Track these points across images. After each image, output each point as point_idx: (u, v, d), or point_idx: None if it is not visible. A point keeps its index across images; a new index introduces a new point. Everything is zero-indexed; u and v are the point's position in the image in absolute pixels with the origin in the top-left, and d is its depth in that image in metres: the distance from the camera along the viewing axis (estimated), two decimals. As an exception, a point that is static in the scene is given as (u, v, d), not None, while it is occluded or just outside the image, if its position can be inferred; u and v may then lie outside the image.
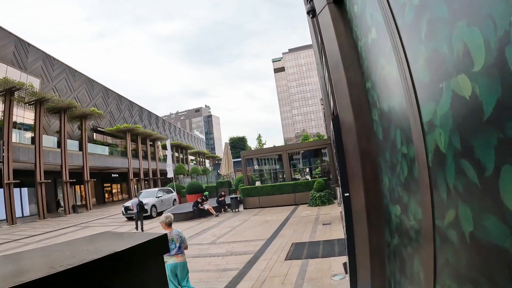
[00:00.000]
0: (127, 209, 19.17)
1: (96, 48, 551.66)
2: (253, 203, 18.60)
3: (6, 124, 22.64)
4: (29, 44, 32.46)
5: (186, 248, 5.33)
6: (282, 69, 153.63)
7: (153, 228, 14.99)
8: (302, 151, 21.70)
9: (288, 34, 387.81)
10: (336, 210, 13.33)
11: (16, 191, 27.42)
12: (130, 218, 18.97)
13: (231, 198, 18.29)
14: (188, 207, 18.15)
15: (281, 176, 20.81)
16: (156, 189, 22.97)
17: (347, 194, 3.49)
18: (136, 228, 15.20)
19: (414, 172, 1.71)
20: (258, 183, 20.34)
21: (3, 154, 22.10)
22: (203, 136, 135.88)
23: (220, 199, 18.56)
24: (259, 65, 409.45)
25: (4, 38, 29.28)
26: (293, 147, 22.24)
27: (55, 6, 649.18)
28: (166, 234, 1.66)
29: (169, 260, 4.96)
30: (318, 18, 3.68)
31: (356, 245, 3.38)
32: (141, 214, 15.47)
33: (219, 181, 28.77)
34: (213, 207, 17.29)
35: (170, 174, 26.02)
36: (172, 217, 5.53)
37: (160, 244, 1.63)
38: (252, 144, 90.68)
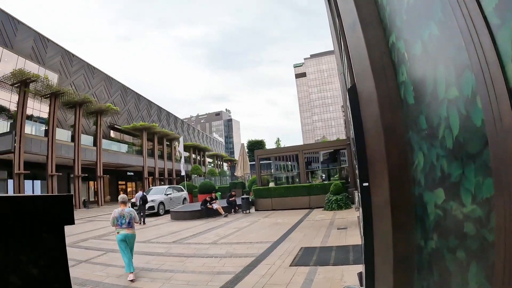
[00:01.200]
0: (133, 204, 18.57)
1: (121, 51, 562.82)
2: (265, 205, 17.83)
3: (20, 115, 22.82)
4: (48, 39, 32.91)
5: (136, 223, 6.79)
6: (303, 75, 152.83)
7: (158, 225, 14.43)
8: (323, 152, 20.74)
9: (310, 41, 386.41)
10: (353, 214, 12.43)
11: (28, 183, 27.71)
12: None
13: (242, 198, 17.59)
14: (197, 206, 17.52)
15: (297, 178, 19.98)
16: (166, 186, 22.53)
17: (366, 184, 2.70)
18: (141, 222, 15.13)
19: (474, 119, 0.97)
20: (271, 184, 19.58)
21: (15, 144, 22.12)
22: (222, 140, 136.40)
23: (230, 199, 17.89)
24: (280, 72, 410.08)
25: (23, 33, 29.80)
26: (310, 147, 21.37)
27: (81, 9, 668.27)
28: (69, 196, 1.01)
29: (121, 231, 6.27)
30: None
31: (375, 251, 2.59)
32: (144, 207, 15.93)
33: (232, 182, 28.21)
34: (223, 207, 16.62)
35: (182, 172, 25.55)
36: (126, 197, 6.98)
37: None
38: (271, 147, 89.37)
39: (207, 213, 16.02)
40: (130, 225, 6.39)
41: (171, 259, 7.26)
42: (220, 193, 26.21)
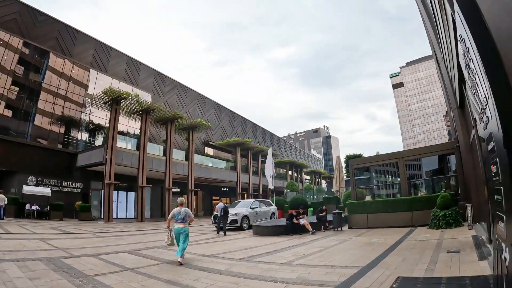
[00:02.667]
0: (216, 217, 18.01)
1: (218, 75, 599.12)
2: (360, 222, 15.45)
3: (111, 131, 24.68)
4: (140, 63, 36.36)
5: (192, 221, 8.53)
6: (400, 85, 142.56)
7: (235, 239, 13.25)
8: (425, 159, 17.42)
9: (403, 50, 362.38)
10: (465, 234, 9.70)
11: (122, 194, 29.49)
12: (220, 228, 17.94)
13: (334, 214, 15.46)
14: (283, 221, 15.93)
15: (397, 191, 17.12)
16: (252, 200, 21.39)
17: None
18: (218, 232, 15.61)
19: None
20: (368, 198, 17.06)
21: (106, 156, 23.59)
22: (321, 156, 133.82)
23: (320, 214, 15.94)
24: (377, 85, 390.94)
25: (117, 57, 33.73)
26: (412, 153, 18.18)
27: (180, 40, 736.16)
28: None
29: (176, 225, 8.05)
30: None
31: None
32: (225, 218, 15.91)
33: (325, 196, 26.04)
34: (312, 224, 14.78)
35: (271, 186, 24.19)
36: (183, 199, 8.74)
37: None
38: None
39: (293, 229, 14.37)
40: (184, 220, 8.18)
41: (226, 279, 5.90)
42: (312, 209, 24.27)
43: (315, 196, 34.66)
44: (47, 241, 11.28)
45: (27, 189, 23.32)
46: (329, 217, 16.02)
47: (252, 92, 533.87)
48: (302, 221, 14.63)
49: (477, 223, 11.27)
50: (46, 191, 24.22)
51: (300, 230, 14.41)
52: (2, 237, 11.73)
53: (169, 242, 8.38)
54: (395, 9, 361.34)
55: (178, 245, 7.99)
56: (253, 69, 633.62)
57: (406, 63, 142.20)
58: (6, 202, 20.42)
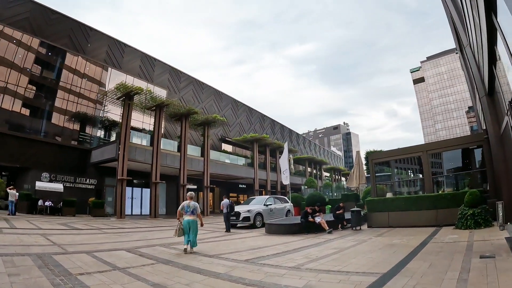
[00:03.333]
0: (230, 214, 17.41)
1: (236, 73, 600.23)
2: (380, 221, 14.42)
3: (124, 126, 24.32)
4: (155, 59, 36.26)
5: (199, 215, 8.97)
6: (421, 80, 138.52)
7: (245, 238, 12.42)
8: (446, 153, 16.10)
9: (424, 45, 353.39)
10: (497, 235, 8.63)
11: (137, 190, 29.24)
12: (232, 225, 17.33)
13: (352, 211, 14.48)
14: (298, 219, 15.05)
15: (418, 187, 16.00)
16: (267, 196, 20.55)
17: None
18: (226, 230, 15.17)
19: None
20: (389, 195, 15.98)
21: (119, 152, 23.30)
22: (341, 153, 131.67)
23: (337, 212, 14.96)
24: (398, 81, 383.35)
25: (131, 54, 33.64)
26: (438, 146, 16.89)
27: (198, 39, 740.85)
28: None
29: (185, 217, 8.73)
30: None
31: None
32: (230, 214, 15.66)
33: (344, 193, 24.94)
34: (328, 222, 13.86)
35: (286, 181, 23.04)
36: (193, 194, 9.36)
37: None
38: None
39: (308, 227, 13.48)
40: (193, 213, 8.73)
41: (221, 286, 5.05)
42: (330, 206, 23.20)
43: (334, 193, 33.22)
44: (48, 237, 10.90)
45: (40, 185, 23.27)
46: (347, 215, 15.06)
47: (270, 90, 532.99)
48: (318, 219, 13.73)
49: (508, 223, 10.11)
50: (58, 187, 24.13)
51: (315, 229, 13.52)
52: (3, 231, 11.38)
53: (177, 235, 8.78)
54: (415, 2, 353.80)
55: (186, 236, 8.67)
56: (271, 67, 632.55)
57: (426, 58, 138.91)
58: (18, 197, 20.39)
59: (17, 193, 20.52)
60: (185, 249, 8.46)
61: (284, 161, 24.05)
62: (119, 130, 28.52)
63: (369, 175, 31.01)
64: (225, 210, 15.67)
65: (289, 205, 21.14)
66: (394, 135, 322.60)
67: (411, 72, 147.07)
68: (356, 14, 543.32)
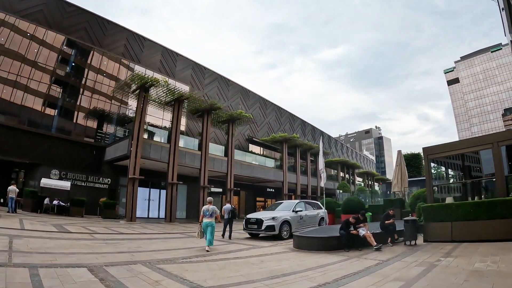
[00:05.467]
0: (247, 222, 14.33)
1: (267, 77, 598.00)
2: (440, 233, 11.03)
3: (138, 121, 21.90)
4: (177, 54, 34.39)
5: (217, 216, 10.36)
6: (456, 81, 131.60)
7: (263, 255, 9.35)
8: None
9: (456, 45, 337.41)
10: None
11: (155, 192, 26.83)
12: (253, 235, 14.64)
13: (406, 221, 11.13)
14: (335, 230, 11.90)
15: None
16: (296, 201, 17.29)
17: None
18: (223, 235, 14.09)
19: None
20: (449, 200, 12.47)
21: (131, 148, 21.10)
22: (373, 157, 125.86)
23: (386, 221, 11.63)
24: (429, 84, 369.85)
25: (150, 48, 31.54)
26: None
27: (229, 44, 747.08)
28: None
29: (205, 220, 9.83)
30: None
31: None
32: (231, 220, 14.26)
33: (388, 198, 21.32)
34: (375, 234, 10.62)
35: (321, 183, 19.38)
36: (212, 199, 10.59)
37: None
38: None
39: (349, 242, 10.24)
40: (211, 216, 9.92)
41: None
42: (370, 213, 19.65)
43: (371, 199, 28.94)
44: (15, 240, 8.82)
45: (45, 181, 21.24)
46: (399, 225, 11.71)
47: (301, 94, 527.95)
48: (362, 232, 10.48)
49: None
50: (65, 184, 22.03)
51: (359, 243, 10.31)
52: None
53: (200, 236, 10.17)
54: (443, 3, 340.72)
55: (207, 236, 9.75)
56: (302, 70, 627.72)
57: (460, 57, 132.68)
58: (17, 193, 18.70)
59: (17, 189, 18.80)
60: (207, 250, 9.48)
61: (320, 159, 20.72)
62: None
63: (413, 178, 27.26)
64: (226, 216, 14.26)
65: (322, 211, 17.65)
66: (426, 140, 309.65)
67: (445, 73, 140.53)
68: (385, 16, 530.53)
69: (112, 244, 10.30)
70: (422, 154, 40.41)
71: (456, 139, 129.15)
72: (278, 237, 13.66)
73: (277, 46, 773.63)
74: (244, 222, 14.87)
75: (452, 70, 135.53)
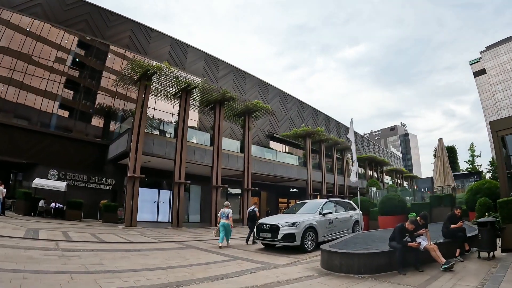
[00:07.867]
0: (259, 229, 10.99)
1: (291, 78, 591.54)
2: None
3: (138, 113, 19.31)
4: (187, 45, 32.16)
5: (231, 219, 11.39)
6: (482, 72, 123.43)
7: (278, 284, 5.94)
8: None
9: (479, 38, 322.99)
10: None
11: (165, 193, 24.67)
12: (268, 246, 11.41)
13: (480, 224, 7.71)
14: (381, 240, 8.51)
15: None
16: (324, 200, 13.57)
17: None
18: (247, 241, 12.80)
19: None
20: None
21: (131, 144, 18.51)
22: (400, 154, 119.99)
23: (453, 225, 8.18)
24: (453, 79, 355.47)
25: (158, 39, 29.69)
26: None
27: (250, 46, 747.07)
28: None
29: (221, 221, 11.19)
30: None
31: None
32: (253, 224, 12.41)
33: (434, 195, 17.44)
34: (439, 245, 7.21)
35: (353, 178, 15.26)
36: (228, 203, 11.85)
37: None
38: (463, 157, 72.84)
39: (404, 259, 6.76)
40: (227, 218, 11.20)
41: None
42: (414, 214, 15.79)
43: (414, 197, 24.03)
44: None
45: (38, 182, 19.08)
46: (469, 231, 8.31)
47: (324, 94, 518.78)
48: (423, 243, 7.04)
49: None
50: (59, 185, 19.68)
51: (420, 259, 6.94)
52: None
53: (216, 234, 11.61)
54: None
55: (221, 234, 11.13)
56: (324, 70, 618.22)
57: (486, 47, 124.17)
58: (5, 194, 17.12)
59: (4, 190, 17.00)
60: (220, 246, 10.86)
61: (353, 150, 16.85)
62: (155, 124, 23.66)
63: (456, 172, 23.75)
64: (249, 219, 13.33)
65: (356, 213, 13.81)
66: (454, 137, 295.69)
67: (471, 64, 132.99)
68: (405, 11, 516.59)
69: (66, 257, 7.20)
70: (455, 147, 34.79)
71: (485, 133, 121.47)
72: (301, 249, 10.16)
73: (298, 47, 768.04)
74: (255, 229, 11.43)
75: (478, 61, 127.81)
